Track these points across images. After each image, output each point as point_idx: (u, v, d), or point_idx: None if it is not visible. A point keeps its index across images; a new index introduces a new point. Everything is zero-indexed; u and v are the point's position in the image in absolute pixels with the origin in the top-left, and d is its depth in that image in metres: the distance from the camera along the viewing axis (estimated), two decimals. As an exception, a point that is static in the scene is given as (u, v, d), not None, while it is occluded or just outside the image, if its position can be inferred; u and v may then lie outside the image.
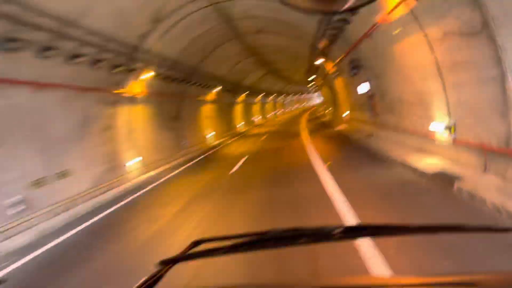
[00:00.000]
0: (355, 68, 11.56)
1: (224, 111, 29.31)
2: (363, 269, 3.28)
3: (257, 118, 43.76)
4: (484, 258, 3.09)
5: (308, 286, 1.06)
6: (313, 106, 67.90)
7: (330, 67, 17.42)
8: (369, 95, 12.12)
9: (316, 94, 66.88)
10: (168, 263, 1.10)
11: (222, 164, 13.37)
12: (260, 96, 42.56)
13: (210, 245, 1.10)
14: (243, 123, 35.00)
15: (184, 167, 14.28)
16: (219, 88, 24.00)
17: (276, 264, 3.63)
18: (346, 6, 0.89)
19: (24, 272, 5.52)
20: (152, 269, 1.10)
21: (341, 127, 17.90)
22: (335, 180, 7.07)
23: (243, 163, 12.31)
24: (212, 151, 18.70)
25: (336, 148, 12.25)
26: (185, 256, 1.12)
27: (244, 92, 33.38)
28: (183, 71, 17.13)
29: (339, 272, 3.36)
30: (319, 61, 17.09)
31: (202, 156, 16.84)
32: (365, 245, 3.70)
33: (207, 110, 24.66)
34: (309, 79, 28.16)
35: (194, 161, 15.57)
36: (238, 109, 34.77)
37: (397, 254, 3.48)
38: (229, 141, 23.72)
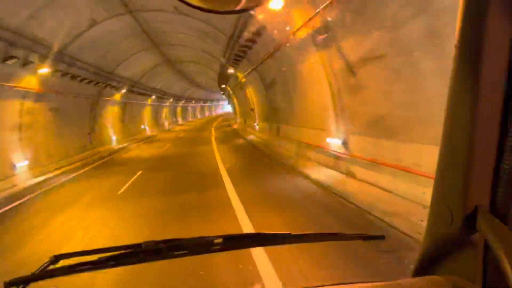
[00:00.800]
0: None
1: (78, 115, 16.35)
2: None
3: (148, 128, 30.84)
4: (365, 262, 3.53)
5: None
6: (220, 116, 58.70)
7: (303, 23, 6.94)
8: None
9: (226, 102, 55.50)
10: (19, 284, 0.91)
11: None
12: (152, 97, 29.84)
13: (72, 261, 0.97)
14: (115, 137, 21.96)
15: None
16: (45, 69, 11.38)
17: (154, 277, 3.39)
18: (239, 7, 0.88)
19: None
20: None
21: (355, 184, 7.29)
22: None
23: None
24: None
25: None
26: (40, 275, 0.95)
27: (123, 88, 20.69)
28: None
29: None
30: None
31: None
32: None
33: (23, 112, 11.66)
34: (229, 71, 17.40)
35: None
36: (113, 114, 21.85)
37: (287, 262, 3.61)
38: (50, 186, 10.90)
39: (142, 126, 29.65)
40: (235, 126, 28.46)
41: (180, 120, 48.55)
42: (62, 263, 0.99)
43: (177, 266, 3.36)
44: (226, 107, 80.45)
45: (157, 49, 19.79)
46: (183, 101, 46.34)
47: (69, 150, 15.05)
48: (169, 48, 20.11)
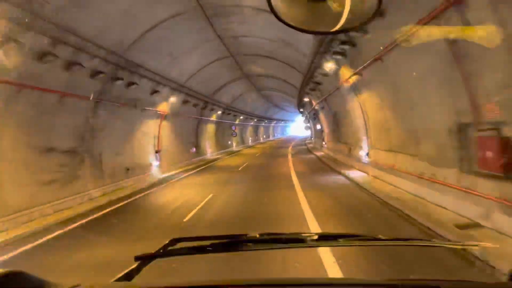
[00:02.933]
0: None
1: (187, 131, 21.34)
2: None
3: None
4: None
5: (274, 282, 1.01)
6: (288, 143, 42.23)
7: None
8: None
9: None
10: (145, 259, 1.11)
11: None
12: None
13: (187, 244, 1.11)
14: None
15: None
16: (173, 98, 16.33)
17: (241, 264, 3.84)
18: (336, 28, 0.89)
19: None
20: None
21: None
22: None
23: None
24: None
25: None
26: (162, 253, 1.14)
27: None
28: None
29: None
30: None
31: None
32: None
33: (157, 127, 16.77)
34: (304, 99, 20.88)
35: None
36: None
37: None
38: None
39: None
40: (310, 145, 31.83)
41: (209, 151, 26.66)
42: (179, 245, 1.16)
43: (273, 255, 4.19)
44: (289, 129, 75.47)
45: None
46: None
47: (181, 156, 20.10)
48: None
